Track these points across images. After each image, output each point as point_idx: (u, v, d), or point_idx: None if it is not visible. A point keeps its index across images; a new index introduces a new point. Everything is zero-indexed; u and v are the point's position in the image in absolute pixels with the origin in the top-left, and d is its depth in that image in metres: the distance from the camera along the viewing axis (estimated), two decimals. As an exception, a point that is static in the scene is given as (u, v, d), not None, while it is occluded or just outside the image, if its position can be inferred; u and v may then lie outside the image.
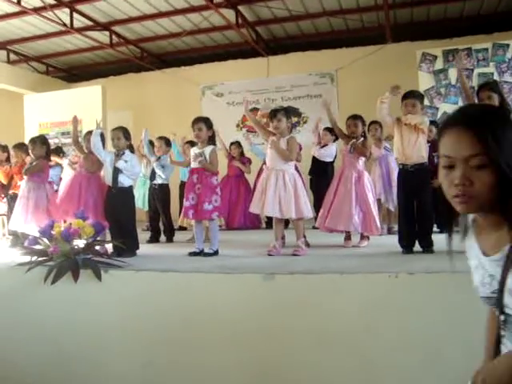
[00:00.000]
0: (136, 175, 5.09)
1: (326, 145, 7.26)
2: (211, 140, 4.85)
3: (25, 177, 5.48)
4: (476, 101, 4.34)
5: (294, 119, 10.38)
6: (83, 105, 10.14)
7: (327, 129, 7.41)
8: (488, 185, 1.19)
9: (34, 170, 5.45)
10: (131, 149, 5.05)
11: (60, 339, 3.87)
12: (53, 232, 4.12)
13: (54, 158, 6.93)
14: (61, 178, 7.17)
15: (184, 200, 4.83)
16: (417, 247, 4.38)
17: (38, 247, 4.24)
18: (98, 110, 10.05)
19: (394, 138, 4.67)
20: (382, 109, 4.43)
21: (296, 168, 4.98)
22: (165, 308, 3.67)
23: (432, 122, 5.81)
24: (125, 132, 4.97)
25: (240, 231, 7.49)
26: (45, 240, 4.18)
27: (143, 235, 6.33)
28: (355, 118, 5.19)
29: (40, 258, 4.09)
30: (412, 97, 4.40)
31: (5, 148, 6.53)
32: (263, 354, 3.39)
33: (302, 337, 3.32)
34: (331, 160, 7.20)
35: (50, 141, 10.09)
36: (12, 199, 5.77)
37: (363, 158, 5.21)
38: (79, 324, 3.84)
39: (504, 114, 1.25)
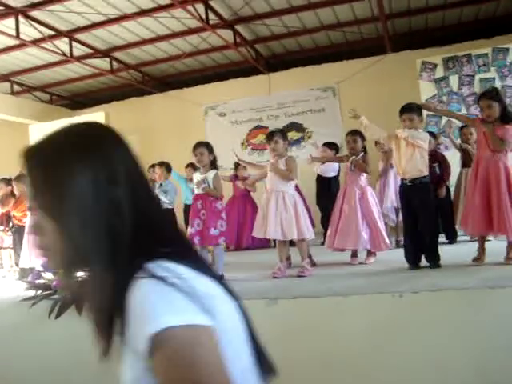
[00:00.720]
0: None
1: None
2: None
3: (29, 212, 5.48)
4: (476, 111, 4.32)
5: (298, 135, 10.41)
6: (88, 132, 10.19)
7: (326, 144, 7.39)
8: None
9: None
10: None
11: (68, 373, 3.83)
12: (56, 266, 4.10)
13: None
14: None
15: (189, 226, 4.80)
16: (424, 262, 4.30)
17: (41, 281, 4.22)
18: (103, 136, 10.08)
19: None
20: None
21: (296, 188, 4.94)
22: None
23: (430, 133, 5.74)
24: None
25: (248, 251, 7.45)
26: (48, 274, 4.16)
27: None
28: (354, 133, 5.15)
29: (44, 292, 4.07)
30: (409, 111, 4.36)
31: (9, 181, 6.55)
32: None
33: (306, 361, 3.25)
34: (335, 174, 7.14)
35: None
36: (17, 232, 5.77)
37: (365, 174, 5.16)
38: (86, 357, 3.80)
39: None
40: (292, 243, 4.92)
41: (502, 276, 3.49)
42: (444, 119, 8.18)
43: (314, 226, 6.67)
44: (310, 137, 10.64)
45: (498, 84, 7.91)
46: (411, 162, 4.27)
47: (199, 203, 4.73)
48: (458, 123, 7.56)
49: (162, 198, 6.33)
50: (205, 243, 4.72)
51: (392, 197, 6.12)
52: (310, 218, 6.57)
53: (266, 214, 4.57)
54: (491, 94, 4.27)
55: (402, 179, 4.37)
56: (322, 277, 4.38)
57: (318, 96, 10.73)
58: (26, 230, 5.44)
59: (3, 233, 6.46)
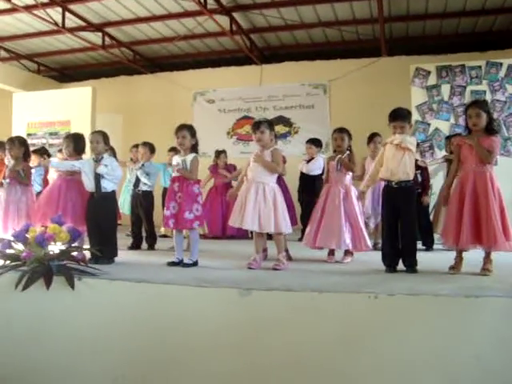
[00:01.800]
0: (118, 179, 4.97)
1: (313, 158, 7.18)
2: (194, 148, 4.74)
3: (5, 180, 5.34)
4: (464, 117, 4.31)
5: (285, 129, 10.37)
6: (73, 105, 10.08)
7: (311, 141, 7.34)
8: None
9: (27, 177, 5.34)
10: (112, 152, 4.94)
11: (28, 347, 3.74)
12: (27, 236, 4.00)
13: (36, 159, 6.81)
14: (46, 180, 7.06)
15: (164, 209, 4.72)
16: (401, 266, 4.28)
17: (11, 251, 4.11)
18: (88, 111, 9.97)
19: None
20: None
21: (281, 181, 4.88)
22: (138, 320, 3.56)
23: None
24: (104, 136, 4.86)
25: (229, 240, 7.40)
26: (18, 244, 4.05)
27: (126, 240, 6.24)
28: (341, 131, 5.09)
29: (13, 263, 3.97)
30: (401, 120, 4.32)
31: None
32: (236, 370, 3.28)
33: (277, 355, 3.22)
34: (320, 172, 7.11)
35: (37, 141, 10.13)
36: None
37: (350, 173, 5.13)
38: (49, 333, 3.72)
39: None
40: (270, 236, 4.86)
41: (477, 286, 3.48)
42: (432, 127, 8.19)
43: (296, 222, 6.66)
44: (296, 132, 10.62)
45: (488, 97, 7.94)
46: (401, 165, 4.24)
47: (176, 185, 4.63)
48: (444, 135, 7.63)
49: (143, 179, 6.22)
50: (179, 226, 4.63)
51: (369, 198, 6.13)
52: (294, 214, 6.52)
53: (244, 203, 4.49)
54: (481, 104, 4.28)
55: (388, 181, 4.32)
56: (298, 272, 4.33)
57: (309, 92, 10.70)
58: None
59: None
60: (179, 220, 4.55)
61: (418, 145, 6.44)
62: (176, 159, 4.77)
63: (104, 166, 4.68)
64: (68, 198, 4.87)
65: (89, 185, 4.75)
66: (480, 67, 8.10)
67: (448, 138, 6.66)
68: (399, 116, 4.35)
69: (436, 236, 5.97)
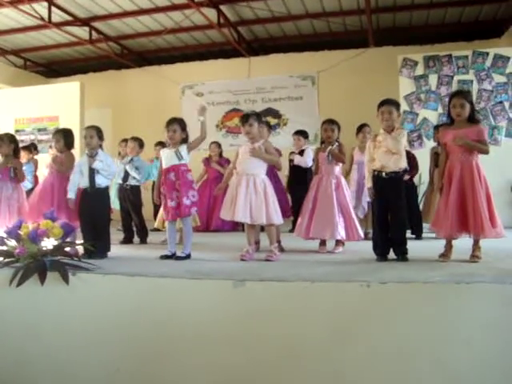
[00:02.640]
0: (112, 174, 4.98)
1: (303, 150, 7.20)
2: (185, 142, 4.74)
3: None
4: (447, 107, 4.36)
5: (274, 121, 10.40)
6: (61, 101, 10.03)
7: (299, 133, 7.36)
8: None
9: (20, 174, 5.33)
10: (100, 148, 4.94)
11: (24, 343, 3.75)
12: (20, 232, 4.01)
13: (25, 155, 6.80)
14: (36, 176, 7.05)
15: (168, 200, 4.65)
16: (392, 255, 4.34)
17: (4, 248, 4.11)
18: (76, 106, 9.94)
19: None
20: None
21: (274, 172, 4.89)
22: (133, 314, 3.58)
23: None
24: (98, 131, 4.86)
25: (217, 233, 7.44)
26: (11, 241, 4.06)
27: (118, 235, 6.25)
28: (332, 122, 5.13)
29: (6, 260, 3.97)
30: (388, 104, 4.36)
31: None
32: (231, 361, 3.32)
33: (271, 345, 3.26)
34: (311, 164, 7.13)
35: (26, 137, 10.09)
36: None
37: (340, 164, 5.17)
38: (45, 328, 3.73)
39: None
40: (262, 228, 4.89)
41: (467, 272, 3.54)
42: (420, 117, 8.26)
43: (290, 213, 6.69)
44: (285, 124, 10.66)
45: (475, 87, 8.04)
46: (392, 159, 4.28)
47: (172, 175, 4.63)
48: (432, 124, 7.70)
49: (133, 173, 6.23)
50: (180, 215, 4.64)
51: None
52: (287, 205, 6.53)
53: (235, 196, 4.51)
54: (465, 94, 4.32)
55: (378, 172, 4.36)
56: (290, 262, 4.38)
57: (297, 84, 10.73)
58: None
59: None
60: (179, 208, 4.57)
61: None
62: (165, 152, 4.77)
63: (99, 161, 4.69)
64: (62, 194, 4.88)
65: (82, 181, 4.75)
66: (467, 57, 8.18)
67: (436, 127, 6.73)
68: (386, 101, 4.39)
69: (425, 225, 6.04)
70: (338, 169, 5.16)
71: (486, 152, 4.14)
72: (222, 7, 9.09)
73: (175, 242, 4.86)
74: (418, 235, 6.23)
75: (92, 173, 4.69)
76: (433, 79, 8.28)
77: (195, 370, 3.39)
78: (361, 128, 6.35)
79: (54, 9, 8.87)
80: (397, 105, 4.45)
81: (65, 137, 5.09)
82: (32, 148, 7.70)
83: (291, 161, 7.30)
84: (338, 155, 5.06)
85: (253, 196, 4.49)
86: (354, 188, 6.18)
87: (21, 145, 6.71)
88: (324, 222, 5.00)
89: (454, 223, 4.05)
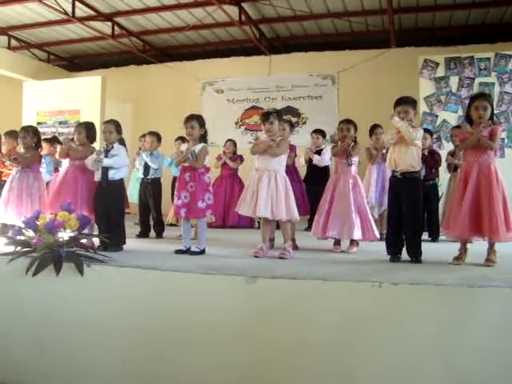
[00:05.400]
0: (126, 167, 5.02)
1: (321, 149, 7.19)
2: (203, 138, 4.78)
3: (15, 168, 5.43)
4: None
5: (293, 119, 10.38)
6: (82, 95, 10.15)
7: (319, 131, 7.35)
8: None
9: (33, 161, 5.41)
10: (122, 141, 4.99)
11: (39, 332, 3.82)
12: (37, 223, 4.07)
13: (47, 147, 6.90)
14: (56, 169, 7.14)
15: (175, 198, 4.76)
16: (405, 256, 4.32)
17: (22, 238, 4.18)
18: (97, 100, 10.04)
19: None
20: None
21: (296, 173, 4.87)
22: (145, 306, 3.62)
23: (425, 130, 5.75)
24: (117, 126, 4.91)
25: (233, 230, 7.46)
26: (29, 231, 4.12)
27: (134, 229, 6.31)
28: (348, 122, 5.14)
29: (23, 249, 4.04)
30: (404, 103, 4.34)
31: (-2, 137, 6.47)
32: (241, 356, 3.34)
33: (281, 342, 3.28)
34: (329, 163, 7.11)
35: (47, 129, 10.21)
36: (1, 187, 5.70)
37: (357, 164, 5.17)
38: (59, 317, 3.79)
39: None
40: (278, 225, 4.91)
41: (481, 276, 3.51)
42: (440, 119, 8.20)
43: (308, 211, 6.65)
44: (304, 122, 10.66)
45: (496, 89, 7.95)
46: (405, 156, 4.27)
47: (187, 175, 4.67)
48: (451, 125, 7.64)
49: (150, 163, 6.31)
50: (191, 216, 4.69)
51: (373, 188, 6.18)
52: (305, 202, 6.51)
53: (257, 192, 4.53)
54: (487, 97, 4.30)
55: (393, 171, 4.36)
56: (304, 260, 4.39)
57: (317, 83, 10.71)
58: (11, 184, 5.36)
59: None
60: (192, 209, 4.60)
61: (431, 134, 6.52)
62: (184, 146, 4.81)
63: (111, 157, 4.74)
64: (84, 186, 4.93)
65: (96, 175, 4.81)
66: (489, 59, 8.10)
67: (453, 128, 6.68)
68: (403, 100, 4.38)
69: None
70: (354, 168, 5.15)
71: (489, 147, 4.08)
72: (244, 5, 9.11)
73: (190, 237, 4.89)
74: (435, 237, 6.17)
75: (105, 167, 4.74)
76: (454, 81, 8.22)
77: (205, 365, 3.41)
78: (373, 129, 6.30)
79: (77, 3, 8.97)
80: (413, 103, 4.42)
81: (87, 129, 5.14)
82: (53, 140, 7.78)
83: (310, 160, 7.28)
84: (348, 150, 5.05)
85: (274, 192, 4.52)
86: (373, 188, 6.14)
87: (42, 137, 6.84)
88: (341, 221, 5.00)
89: (466, 226, 4.02)
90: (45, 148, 7.05)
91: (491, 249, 4.14)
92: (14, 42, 11.08)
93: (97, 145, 5.43)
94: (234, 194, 7.85)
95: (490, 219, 3.94)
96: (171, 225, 6.62)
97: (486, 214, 3.97)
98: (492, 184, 4.02)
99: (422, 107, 8.26)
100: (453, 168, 6.35)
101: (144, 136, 7.27)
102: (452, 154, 6.39)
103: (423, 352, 3.04)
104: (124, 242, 4.83)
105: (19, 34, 10.80)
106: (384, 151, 5.71)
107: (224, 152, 8.19)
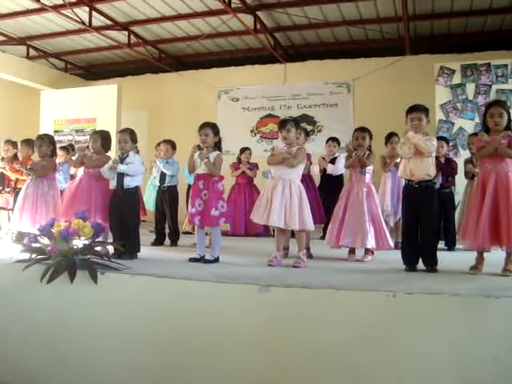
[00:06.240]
0: (140, 174, 5.04)
1: (335, 158, 7.16)
2: (217, 146, 4.79)
3: (30, 176, 5.48)
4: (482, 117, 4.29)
5: (309, 127, 10.36)
6: (98, 103, 10.23)
7: (335, 139, 7.32)
8: None
9: (49, 170, 5.46)
10: (136, 150, 5.02)
11: (53, 338, 3.84)
12: (52, 231, 4.10)
13: (63, 155, 6.97)
14: (71, 176, 7.20)
15: (189, 206, 4.77)
16: (421, 265, 4.27)
17: (37, 245, 4.21)
18: (113, 108, 10.12)
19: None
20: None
21: (311, 181, 4.84)
22: (159, 314, 3.62)
23: (441, 138, 5.70)
24: (132, 134, 4.93)
25: (247, 238, 7.44)
26: (44, 238, 4.15)
27: (149, 237, 6.32)
28: (363, 130, 5.10)
29: (38, 256, 4.07)
30: (417, 111, 4.31)
31: (15, 144, 6.55)
32: (254, 365, 3.33)
33: (294, 351, 3.26)
34: (344, 172, 7.08)
35: (63, 137, 10.32)
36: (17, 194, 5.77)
37: (371, 172, 5.13)
38: (73, 324, 3.81)
39: None
40: (293, 233, 4.88)
41: (498, 286, 3.46)
42: (456, 126, 8.13)
43: (323, 220, 6.61)
44: (320, 130, 10.63)
45: (514, 96, 7.87)
46: (421, 165, 4.23)
47: (201, 183, 4.68)
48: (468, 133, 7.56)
49: (165, 170, 6.33)
50: (205, 224, 4.69)
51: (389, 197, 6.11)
52: (320, 211, 6.48)
53: (271, 200, 4.52)
54: (504, 104, 4.25)
55: (408, 180, 4.32)
56: (318, 269, 4.36)
57: (333, 91, 10.69)
58: (26, 192, 5.41)
59: (7, 194, 6.51)
60: (205, 217, 4.60)
61: (448, 142, 6.45)
62: (198, 155, 4.82)
63: (125, 164, 4.76)
64: (99, 194, 4.97)
65: (111, 183, 4.84)
66: (506, 66, 8.03)
67: (470, 136, 6.61)
68: (416, 108, 4.35)
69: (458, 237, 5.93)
70: (368, 177, 5.11)
71: (509, 156, 4.02)
72: (259, 13, 9.14)
73: (204, 245, 4.89)
74: (451, 246, 6.10)
75: (120, 175, 4.77)
76: (470, 88, 8.16)
77: (218, 372, 3.40)
78: (389, 137, 6.25)
79: (94, 13, 9.07)
80: (426, 111, 4.39)
81: (102, 138, 5.18)
82: (70, 148, 7.85)
83: (324, 170, 7.26)
84: (363, 159, 5.01)
85: (288, 201, 4.49)
86: (388, 196, 6.09)
87: (59, 145, 6.92)
88: (354, 230, 4.95)
89: (486, 236, 3.95)
90: (62, 156, 7.13)
91: (509, 258, 4.06)
92: (32, 52, 11.24)
93: (112, 153, 5.47)
94: (253, 202, 7.81)
95: (509, 228, 3.87)
96: (187, 233, 6.63)
97: (504, 223, 3.90)
98: (510, 192, 3.95)
99: (438, 115, 8.21)
100: (470, 176, 6.28)
101: (159, 144, 7.31)
102: (471, 161, 6.31)
103: (438, 362, 2.99)
104: (138, 250, 4.84)
105: (37, 43, 10.96)
106: (398, 160, 5.66)
107: (240, 160, 8.16)
